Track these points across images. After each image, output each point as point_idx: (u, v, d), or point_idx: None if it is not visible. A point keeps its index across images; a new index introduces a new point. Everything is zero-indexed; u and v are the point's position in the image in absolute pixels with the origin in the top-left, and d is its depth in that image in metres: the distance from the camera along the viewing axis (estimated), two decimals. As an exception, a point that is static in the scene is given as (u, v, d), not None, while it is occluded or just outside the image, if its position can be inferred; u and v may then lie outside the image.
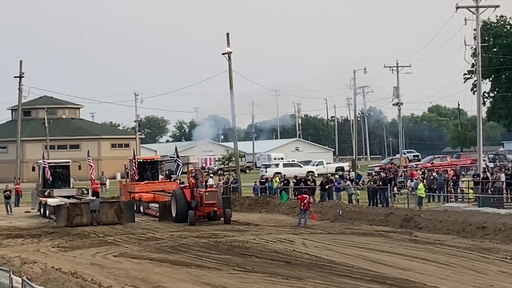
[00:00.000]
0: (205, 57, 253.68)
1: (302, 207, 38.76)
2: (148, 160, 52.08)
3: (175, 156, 47.68)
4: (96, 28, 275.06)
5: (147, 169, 49.97)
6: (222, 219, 40.41)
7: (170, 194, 43.55)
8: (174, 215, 41.53)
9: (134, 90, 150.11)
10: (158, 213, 43.54)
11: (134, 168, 48.37)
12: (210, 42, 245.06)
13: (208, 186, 43.56)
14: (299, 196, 40.98)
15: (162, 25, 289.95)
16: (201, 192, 40.60)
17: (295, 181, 51.26)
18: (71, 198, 45.79)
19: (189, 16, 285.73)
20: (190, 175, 42.91)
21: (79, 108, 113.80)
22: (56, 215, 41.46)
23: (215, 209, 40.41)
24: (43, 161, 49.95)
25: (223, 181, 57.44)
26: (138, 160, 50.06)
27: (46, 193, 47.33)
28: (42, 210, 46.78)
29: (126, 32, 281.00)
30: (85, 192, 48.59)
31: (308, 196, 39.74)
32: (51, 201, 44.85)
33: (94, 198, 44.81)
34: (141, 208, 46.80)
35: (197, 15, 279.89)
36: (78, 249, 31.50)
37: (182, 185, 45.05)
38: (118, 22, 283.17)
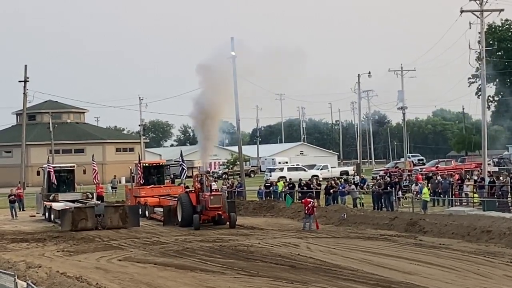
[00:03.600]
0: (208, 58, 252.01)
1: (306, 211, 38.76)
2: (154, 165, 52.10)
3: (180, 160, 47.71)
4: (96, 29, 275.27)
5: (153, 174, 50.05)
6: (227, 223, 40.41)
7: (176, 199, 43.57)
8: (179, 219, 41.50)
9: (138, 94, 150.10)
10: (163, 217, 43.56)
11: (140, 173, 48.41)
12: (211, 43, 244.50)
13: (213, 190, 43.55)
14: (303, 200, 40.98)
15: (163, 25, 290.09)
16: (206, 196, 40.58)
17: (304, 185, 50.80)
18: (76, 202, 45.82)
19: (189, 16, 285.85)
20: (196, 179, 42.91)
21: (83, 113, 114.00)
22: (61, 219, 41.46)
23: (220, 213, 40.41)
24: (48, 166, 50.00)
25: (227, 185, 57.41)
26: (144, 165, 50.12)
27: (51, 197, 47.38)
28: (47, 214, 46.84)
29: (128, 33, 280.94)
30: (90, 196, 48.67)
31: (312, 200, 39.72)
32: (56, 205, 44.90)
33: (99, 202, 44.87)
34: (146, 212, 46.85)
35: (197, 15, 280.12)
36: (83, 253, 31.55)
37: (187, 189, 45.06)
38: (118, 23, 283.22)
